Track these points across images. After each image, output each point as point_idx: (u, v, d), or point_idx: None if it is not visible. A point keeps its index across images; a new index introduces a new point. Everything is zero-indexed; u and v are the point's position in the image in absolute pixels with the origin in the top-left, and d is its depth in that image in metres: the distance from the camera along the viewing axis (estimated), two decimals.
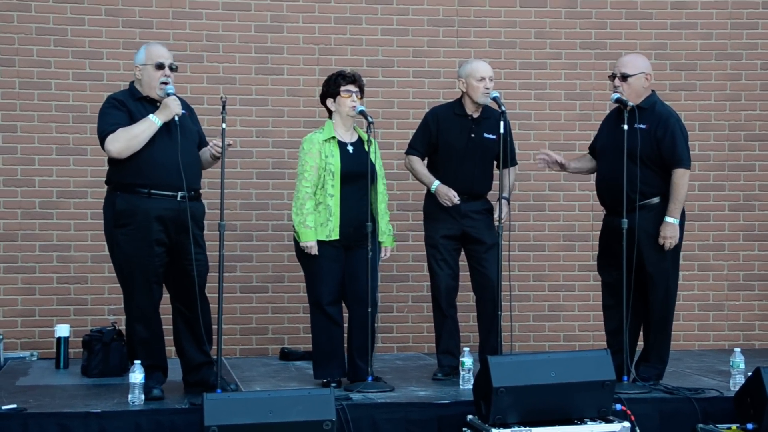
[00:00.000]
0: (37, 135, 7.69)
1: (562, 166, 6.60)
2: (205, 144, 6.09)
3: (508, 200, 6.57)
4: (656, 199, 6.18)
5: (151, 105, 5.89)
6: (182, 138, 5.82)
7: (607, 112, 6.67)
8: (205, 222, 6.10)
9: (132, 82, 6.02)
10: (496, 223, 6.35)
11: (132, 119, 5.82)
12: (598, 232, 6.51)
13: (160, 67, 5.88)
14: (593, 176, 6.60)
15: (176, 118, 5.82)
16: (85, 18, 7.75)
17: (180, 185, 5.77)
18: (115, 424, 5.34)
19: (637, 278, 6.15)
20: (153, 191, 5.80)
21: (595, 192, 6.54)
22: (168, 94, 5.84)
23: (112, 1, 7.78)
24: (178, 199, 5.82)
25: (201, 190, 6.04)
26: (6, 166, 7.65)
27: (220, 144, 5.81)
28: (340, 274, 6.24)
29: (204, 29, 7.91)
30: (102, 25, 7.78)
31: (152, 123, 5.79)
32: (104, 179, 7.57)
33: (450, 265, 6.59)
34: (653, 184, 6.17)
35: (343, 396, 5.67)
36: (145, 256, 5.81)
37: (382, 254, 6.37)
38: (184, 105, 6.03)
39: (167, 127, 5.82)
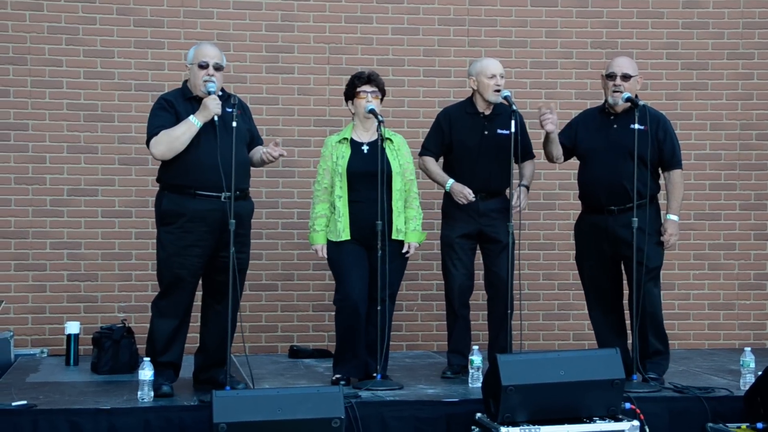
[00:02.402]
0: (48, 133, 7.72)
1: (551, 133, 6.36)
2: (259, 143, 6.09)
3: (527, 188, 6.58)
4: (645, 199, 6.19)
5: (200, 104, 5.87)
6: (227, 137, 5.78)
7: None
8: None
9: (185, 81, 6.05)
10: (515, 209, 6.32)
11: (179, 120, 5.83)
12: None
13: (203, 66, 5.89)
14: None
15: (215, 118, 5.81)
16: (97, 17, 7.78)
17: (226, 185, 5.74)
18: (125, 421, 5.36)
19: (620, 275, 6.25)
20: (197, 191, 5.82)
21: None
22: (209, 93, 5.83)
23: (124, 0, 7.80)
24: (222, 199, 5.80)
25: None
26: (17, 164, 7.68)
27: (273, 153, 5.88)
28: (365, 273, 6.19)
29: (215, 28, 7.92)
30: (113, 24, 7.80)
31: (192, 124, 5.79)
32: (115, 177, 7.70)
33: (465, 265, 6.57)
34: (647, 184, 6.20)
35: (352, 394, 5.67)
36: (185, 256, 5.84)
37: (404, 250, 6.33)
38: (239, 104, 5.97)
39: (213, 127, 5.81)
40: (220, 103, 5.84)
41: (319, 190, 6.24)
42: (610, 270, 6.32)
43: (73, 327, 7.22)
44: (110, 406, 5.49)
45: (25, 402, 5.51)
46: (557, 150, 6.46)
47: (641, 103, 6.13)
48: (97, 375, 6.70)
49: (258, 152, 6.04)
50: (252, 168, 6.09)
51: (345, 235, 6.16)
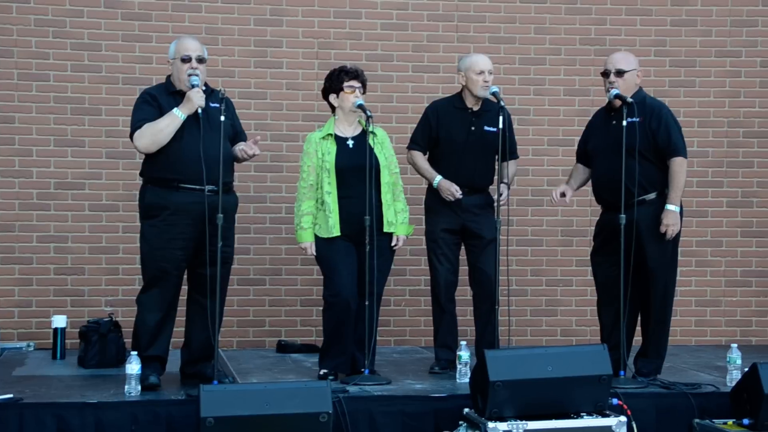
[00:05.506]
0: (35, 126, 7.68)
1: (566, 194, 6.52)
2: (242, 138, 6.09)
3: (508, 185, 6.59)
4: (653, 195, 6.19)
5: (183, 98, 5.87)
6: (211, 131, 5.81)
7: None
8: None
9: (168, 76, 6.03)
10: (503, 205, 6.35)
11: (162, 114, 5.83)
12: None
13: (186, 60, 5.89)
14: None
15: (200, 111, 5.81)
16: (84, 10, 7.75)
17: (208, 179, 5.76)
18: (112, 415, 5.34)
19: (636, 274, 6.15)
20: (181, 184, 5.82)
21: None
22: (192, 86, 5.83)
23: None
24: (206, 192, 5.80)
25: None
26: (4, 157, 7.65)
27: (249, 151, 5.89)
28: (354, 269, 6.18)
29: (203, 22, 7.89)
30: (101, 17, 7.77)
31: (176, 117, 5.79)
32: (102, 171, 7.68)
33: (450, 260, 6.59)
34: (652, 178, 6.18)
35: (339, 389, 5.67)
36: (169, 249, 5.84)
37: (393, 243, 6.32)
38: (220, 98, 5.98)
39: (197, 120, 5.82)
40: (204, 95, 5.84)
41: (305, 188, 6.21)
42: (621, 269, 6.13)
43: (59, 321, 7.20)
44: (97, 400, 5.48)
45: (11, 395, 5.47)
46: (583, 180, 6.56)
47: (629, 99, 6.13)
48: (83, 369, 6.68)
49: (237, 148, 6.03)
50: (237, 163, 6.09)
51: (336, 231, 6.15)
